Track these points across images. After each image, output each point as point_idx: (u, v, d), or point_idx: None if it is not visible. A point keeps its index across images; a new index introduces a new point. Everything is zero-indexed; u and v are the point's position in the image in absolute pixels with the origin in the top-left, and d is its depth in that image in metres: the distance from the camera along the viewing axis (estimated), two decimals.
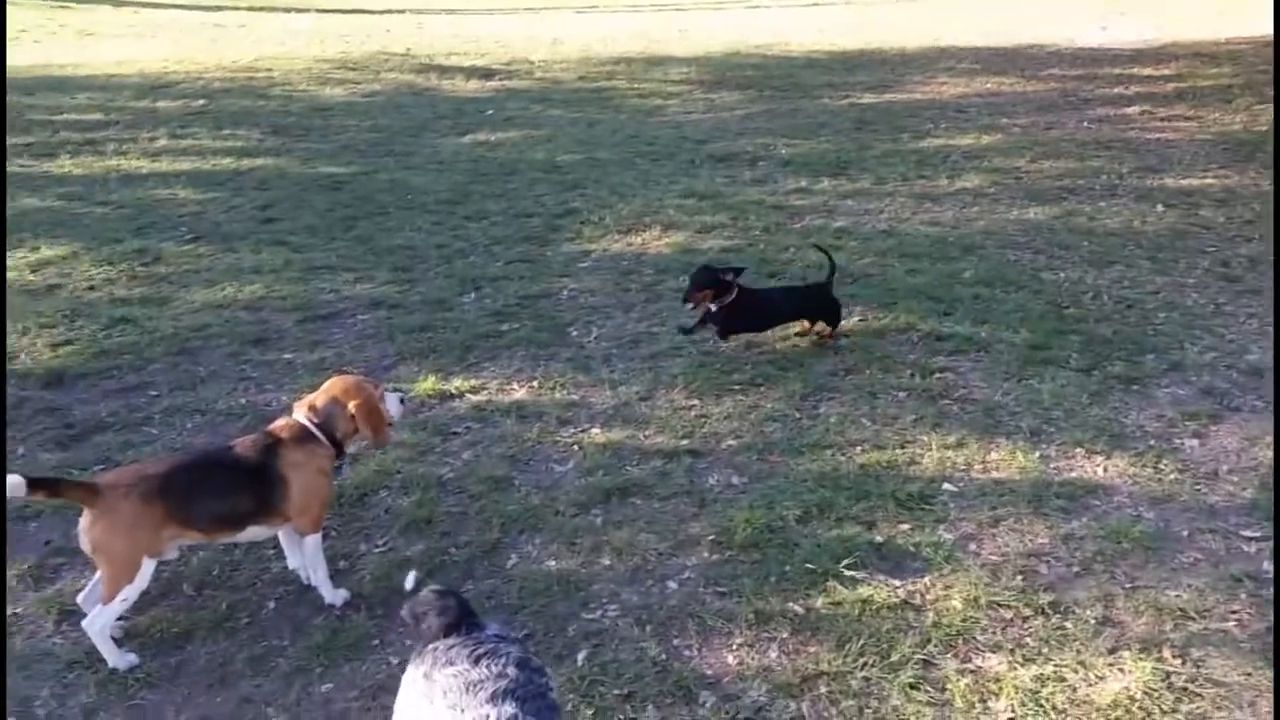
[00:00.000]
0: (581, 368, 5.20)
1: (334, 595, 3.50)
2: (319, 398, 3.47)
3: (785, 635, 3.28)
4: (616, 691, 3.05)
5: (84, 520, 3.10)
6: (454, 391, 4.99)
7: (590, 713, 2.96)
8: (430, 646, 2.37)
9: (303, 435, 3.38)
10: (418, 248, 7.07)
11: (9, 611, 3.49)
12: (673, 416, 4.69)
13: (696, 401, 4.83)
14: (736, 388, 4.94)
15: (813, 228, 7.30)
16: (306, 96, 12.32)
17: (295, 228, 7.51)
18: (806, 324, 5.50)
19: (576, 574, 3.61)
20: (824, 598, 3.44)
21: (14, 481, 2.97)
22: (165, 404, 4.89)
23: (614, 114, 11.36)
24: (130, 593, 3.15)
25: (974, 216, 7.56)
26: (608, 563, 3.67)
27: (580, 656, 3.21)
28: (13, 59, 14.97)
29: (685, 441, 4.47)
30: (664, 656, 3.21)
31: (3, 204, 6.03)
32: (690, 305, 5.28)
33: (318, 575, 3.49)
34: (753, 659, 3.19)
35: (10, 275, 6.60)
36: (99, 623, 3.15)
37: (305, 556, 3.51)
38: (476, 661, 2.26)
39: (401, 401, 3.76)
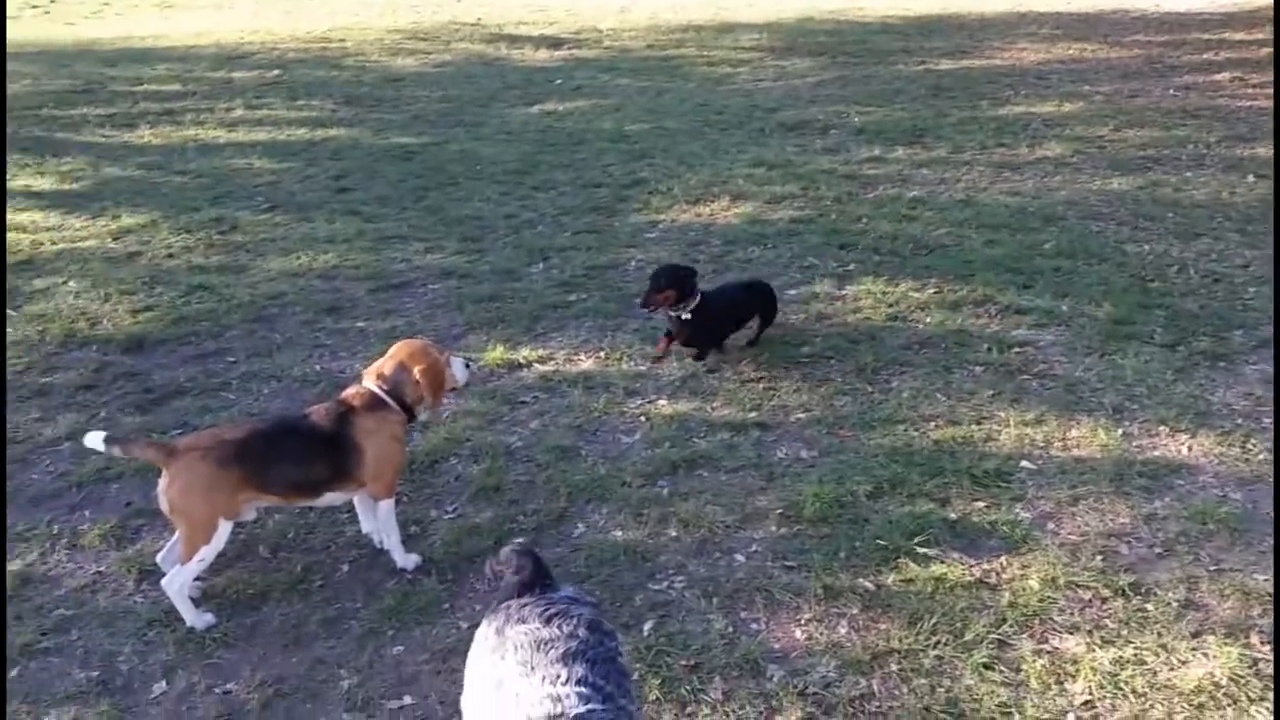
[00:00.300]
0: (649, 339, 5.17)
1: (405, 560, 3.55)
2: (387, 364, 3.50)
3: (855, 611, 3.24)
4: (683, 662, 3.04)
5: (162, 482, 3.19)
6: (522, 361, 5.00)
7: (657, 682, 2.95)
8: (504, 604, 2.39)
9: (374, 402, 3.42)
10: (486, 218, 7.09)
11: (92, 569, 3.61)
12: (740, 389, 4.64)
13: (764, 374, 4.77)
14: (805, 360, 4.87)
15: (886, 197, 7.15)
16: (379, 67, 12.42)
17: (368, 198, 7.59)
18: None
19: (643, 545, 3.60)
20: (895, 575, 3.39)
21: (94, 437, 3.09)
22: (242, 370, 4.99)
23: (683, 82, 11.25)
24: (207, 554, 3.22)
25: (1055, 186, 7.33)
26: (674, 534, 3.66)
27: (647, 627, 3.20)
28: (96, 32, 15.39)
29: (753, 414, 4.43)
30: (731, 629, 3.19)
31: (3, 204, 6.07)
32: (649, 310, 4.83)
33: (390, 540, 3.55)
34: (821, 634, 3.16)
35: (92, 243, 6.79)
36: (177, 582, 3.24)
37: (378, 521, 3.56)
38: (548, 621, 2.26)
39: (467, 366, 3.77)
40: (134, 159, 8.81)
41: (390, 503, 3.49)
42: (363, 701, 2.99)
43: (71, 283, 6.11)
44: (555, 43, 13.69)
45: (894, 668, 3.02)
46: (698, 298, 4.78)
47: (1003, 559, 3.45)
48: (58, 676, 3.14)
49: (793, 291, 5.64)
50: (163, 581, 3.27)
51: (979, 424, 4.28)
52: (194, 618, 3.30)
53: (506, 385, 4.79)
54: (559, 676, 2.13)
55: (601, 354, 5.04)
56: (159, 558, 3.43)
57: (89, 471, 4.16)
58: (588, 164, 8.25)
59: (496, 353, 5.05)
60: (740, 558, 3.53)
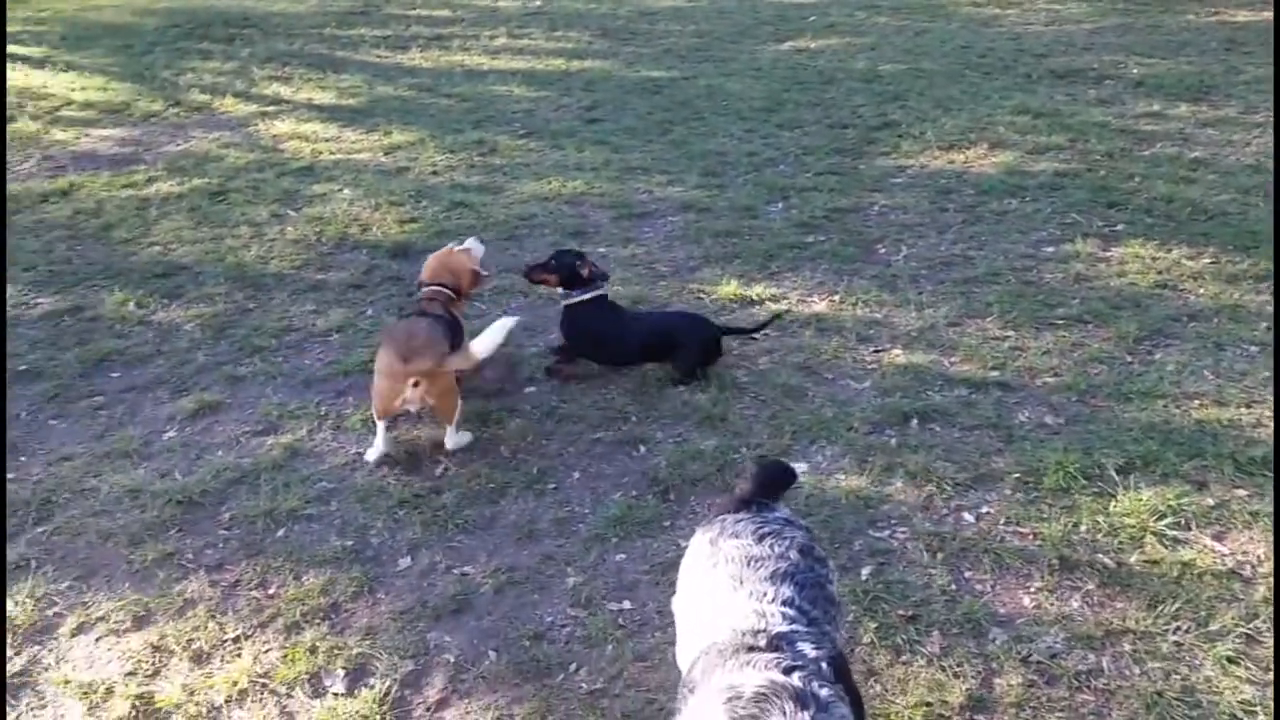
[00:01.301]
0: (887, 286, 5.03)
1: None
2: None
3: (1091, 587, 3.07)
4: (901, 612, 3.00)
5: (415, 390, 3.72)
6: (754, 298, 5.00)
7: (873, 626, 2.93)
8: (720, 516, 2.44)
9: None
10: (729, 154, 7.07)
11: (353, 450, 3.95)
12: (983, 345, 4.44)
13: (1011, 333, 4.54)
14: (1060, 322, 4.59)
15: (1163, 156, 6.56)
16: (635, 0, 12.55)
17: (616, 129, 7.74)
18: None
19: (866, 491, 3.55)
20: (1139, 554, 3.18)
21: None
22: (493, 284, 5.26)
23: (944, 23, 10.70)
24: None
25: None
26: (900, 485, 3.58)
27: (865, 571, 3.17)
28: None
29: (995, 373, 4.23)
30: (953, 586, 3.10)
31: (3, 204, 6.55)
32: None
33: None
34: (1051, 604, 3.02)
35: (365, 156, 7.31)
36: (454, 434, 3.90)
37: None
38: (761, 539, 2.29)
39: (482, 243, 4.55)
40: (405, 80, 9.37)
41: None
42: (586, 599, 3.14)
43: (346, 190, 6.62)
44: None
45: (1127, 647, 2.85)
46: (587, 296, 4.28)
47: (1261, 551, 3.16)
48: (317, 541, 3.48)
49: (1050, 249, 5.32)
50: (448, 444, 3.87)
51: (1248, 408, 3.90)
52: (461, 439, 3.90)
53: (738, 320, 4.80)
54: (765, 594, 2.15)
55: (836, 297, 4.95)
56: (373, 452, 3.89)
57: (354, 362, 4.54)
58: (836, 104, 8.04)
59: (730, 287, 5.06)
60: (969, 517, 3.41)
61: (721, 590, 2.22)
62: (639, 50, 10.20)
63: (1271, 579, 3.05)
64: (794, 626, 2.08)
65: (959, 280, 5.04)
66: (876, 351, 4.47)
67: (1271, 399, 3.93)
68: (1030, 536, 3.30)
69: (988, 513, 3.42)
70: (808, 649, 2.02)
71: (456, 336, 3.91)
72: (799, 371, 4.33)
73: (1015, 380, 4.18)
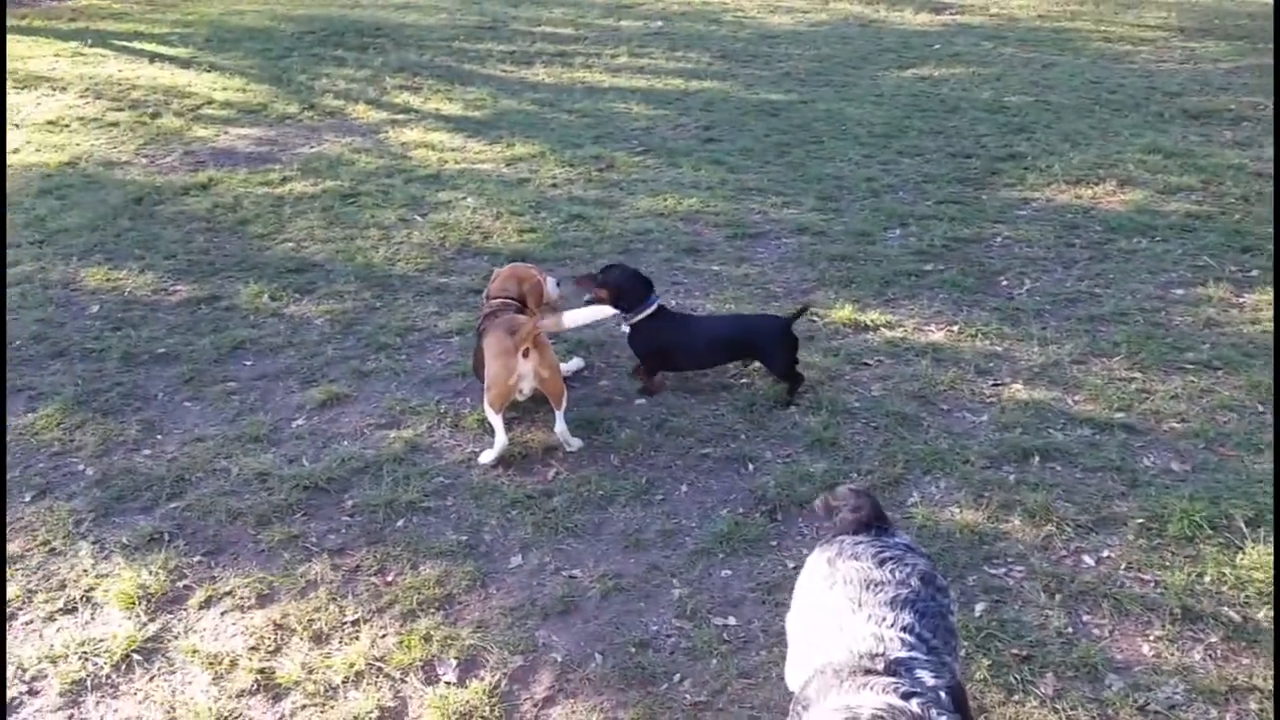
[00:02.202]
0: (1009, 319, 4.94)
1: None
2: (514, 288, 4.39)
3: (1215, 639, 2.96)
4: (1015, 651, 2.94)
5: (528, 362, 3.94)
6: (869, 324, 4.96)
7: (986, 663, 2.88)
8: (839, 537, 2.43)
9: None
10: (846, 178, 7.04)
11: (469, 449, 4.06)
12: (1108, 386, 4.32)
13: (1138, 375, 4.41)
14: (1189, 367, 4.44)
15: None
16: (755, 23, 12.61)
17: (732, 149, 7.78)
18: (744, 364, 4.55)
19: (981, 527, 3.49)
20: (1266, 610, 3.05)
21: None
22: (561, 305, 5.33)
23: (1074, 57, 10.46)
24: None
25: None
26: (1017, 523, 3.51)
27: (979, 608, 3.12)
28: None
29: (1120, 414, 4.12)
30: (1070, 629, 3.03)
31: (3, 204, 6.75)
32: (576, 284, 4.52)
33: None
34: (1172, 654, 2.92)
35: (488, 166, 7.50)
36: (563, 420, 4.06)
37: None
38: (881, 563, 2.28)
39: (558, 285, 4.61)
40: (528, 94, 9.59)
41: None
42: (691, 612, 3.16)
43: (469, 199, 6.81)
44: (938, 7, 13.19)
45: (1253, 706, 2.74)
46: (650, 309, 4.32)
47: None
48: (434, 533, 3.58)
49: (1180, 291, 5.15)
50: (558, 430, 4.01)
51: None
52: (576, 442, 4.04)
53: (851, 345, 4.78)
54: (885, 619, 2.14)
55: (954, 328, 4.88)
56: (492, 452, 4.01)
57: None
58: (959, 133, 7.94)
59: (844, 312, 5.04)
60: (1089, 560, 3.33)
61: (839, 611, 2.22)
62: (758, 73, 10.24)
63: None
64: (913, 653, 2.07)
65: (1084, 317, 4.93)
66: (996, 385, 4.39)
67: None
68: (1152, 584, 3.21)
69: (1109, 556, 3.33)
70: (926, 676, 2.00)
71: None
72: (914, 400, 4.29)
73: (1141, 423, 4.06)
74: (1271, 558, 3.23)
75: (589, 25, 12.64)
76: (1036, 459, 3.84)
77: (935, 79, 9.71)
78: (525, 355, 3.89)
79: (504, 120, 8.69)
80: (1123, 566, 3.28)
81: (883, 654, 2.06)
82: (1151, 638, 2.99)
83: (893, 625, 2.13)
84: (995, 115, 8.38)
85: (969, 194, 6.64)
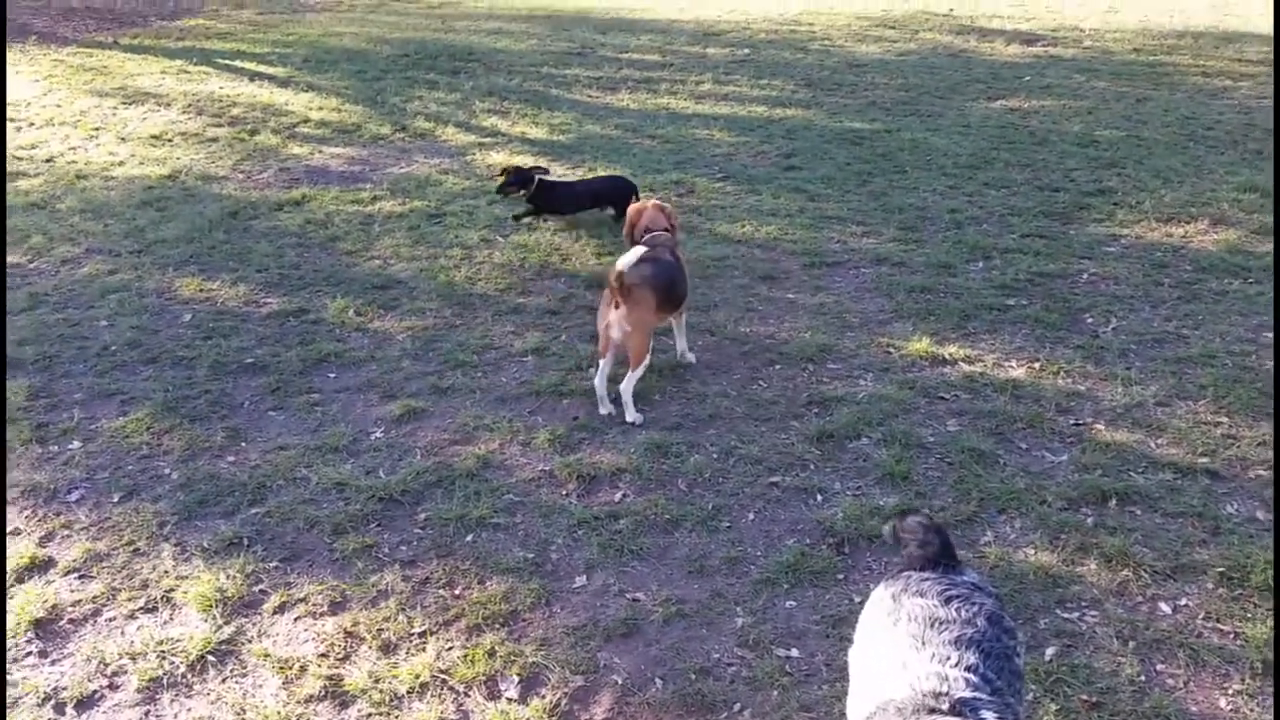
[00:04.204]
0: (1092, 358, 4.83)
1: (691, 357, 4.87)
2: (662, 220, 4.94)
3: None
4: (1084, 697, 2.86)
5: (617, 312, 4.34)
6: (947, 357, 4.89)
7: (1054, 708, 2.81)
8: (905, 573, 2.40)
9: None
10: (929, 209, 6.97)
11: (539, 467, 4.11)
12: (1193, 430, 4.19)
13: (1225, 419, 4.27)
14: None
15: None
16: (842, 52, 12.58)
17: (813, 177, 7.76)
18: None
19: (1056, 569, 3.41)
20: None
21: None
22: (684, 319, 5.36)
23: (1169, 92, 10.20)
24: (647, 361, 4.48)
25: None
26: (1093, 567, 3.42)
27: (1049, 652, 3.05)
28: (592, 1, 17.02)
29: (1204, 460, 3.99)
30: (1143, 678, 2.94)
31: (3, 205, 6.90)
32: (501, 196, 7.07)
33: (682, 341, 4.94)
34: (1251, 710, 2.82)
35: None
36: (631, 386, 4.45)
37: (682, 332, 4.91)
38: (947, 601, 2.25)
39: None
40: (613, 119, 9.71)
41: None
42: (753, 641, 3.15)
43: (549, 221, 6.91)
44: (1029, 39, 12.99)
45: None
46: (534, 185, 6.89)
47: None
48: (502, 549, 3.64)
49: (1270, 335, 4.97)
50: (622, 386, 4.43)
51: None
52: (633, 415, 4.41)
53: (928, 378, 4.72)
54: (949, 658, 2.11)
55: (1036, 364, 4.79)
56: (595, 382, 4.50)
57: (546, 384, 4.73)
58: (1048, 166, 7.80)
59: (921, 344, 4.98)
60: (1165, 608, 3.23)
61: (902, 648, 2.20)
62: (843, 101, 10.21)
63: None
64: (978, 694, 2.03)
65: (1171, 359, 4.79)
66: (1076, 424, 4.29)
67: None
68: (1231, 635, 3.10)
69: (1186, 605, 3.23)
70: (990, 717, 1.97)
71: (678, 278, 4.70)
72: (990, 437, 4.21)
73: (1225, 470, 3.93)
74: None
75: (676, 52, 12.76)
76: (1115, 502, 3.74)
77: (1024, 111, 9.56)
78: (616, 306, 4.35)
79: (587, 144, 8.81)
80: (1201, 616, 3.17)
81: (947, 693, 2.03)
82: (1230, 691, 2.89)
83: (957, 665, 2.10)
84: (1085, 149, 8.21)
85: (1055, 228, 6.52)
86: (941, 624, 2.20)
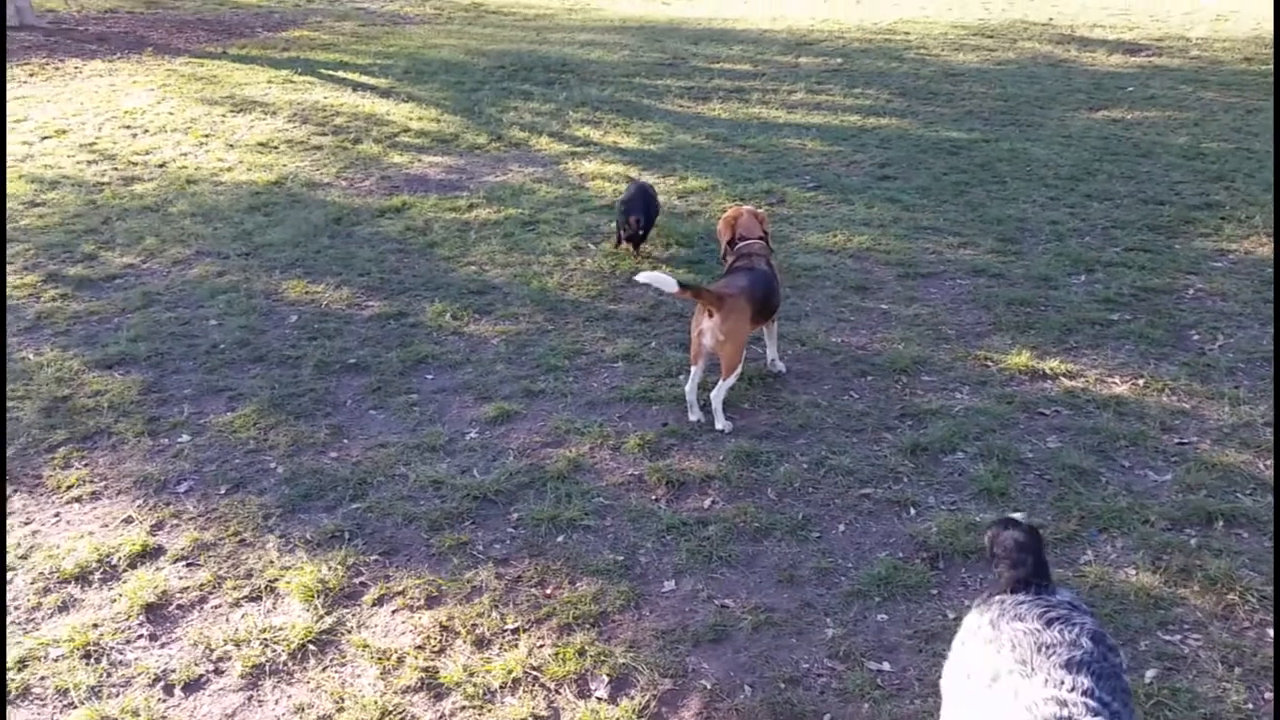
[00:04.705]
0: (1198, 375, 4.68)
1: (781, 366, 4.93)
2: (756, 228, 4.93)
3: None
4: None
5: (713, 320, 4.34)
6: (1047, 372, 4.79)
7: None
8: (998, 598, 2.36)
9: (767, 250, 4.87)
10: (1029, 220, 6.83)
11: (629, 471, 4.16)
12: None
13: None
14: None
15: None
16: (938, 61, 12.41)
17: (908, 187, 7.68)
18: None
19: (1158, 590, 3.32)
20: None
21: (668, 281, 4.25)
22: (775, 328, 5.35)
23: None
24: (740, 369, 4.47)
25: None
26: (1197, 589, 3.32)
27: (1149, 674, 2.97)
28: (687, 13, 17.10)
29: None
30: (1249, 705, 2.84)
31: (2, 206, 6.86)
32: None
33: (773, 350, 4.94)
34: None
35: (661, 199, 7.65)
36: (722, 393, 4.44)
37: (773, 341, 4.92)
38: (1049, 624, 2.20)
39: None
40: (704, 129, 9.75)
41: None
42: (844, 653, 3.14)
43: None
44: (1133, 48, 12.63)
45: None
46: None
47: None
48: (592, 551, 3.69)
49: None
50: (712, 394, 4.46)
51: None
52: (722, 422, 4.44)
53: (1027, 393, 4.63)
54: (1062, 682, 2.07)
55: (1140, 381, 4.66)
56: (686, 389, 4.57)
57: (636, 390, 4.78)
58: (1152, 178, 7.57)
59: (1021, 358, 4.89)
60: (1273, 634, 3.11)
61: (1009, 676, 2.15)
62: (939, 110, 10.07)
63: None
64: (1098, 718, 2.00)
65: None
66: (1181, 444, 4.16)
67: None
68: None
69: None
70: None
71: (773, 287, 4.69)
72: (1092, 454, 4.12)
73: None
74: None
75: (767, 62, 12.74)
76: (1221, 523, 3.62)
77: (1128, 122, 9.30)
78: (710, 315, 4.38)
79: (678, 154, 8.86)
80: None
81: (1069, 718, 2.00)
82: None
83: (1073, 689, 2.06)
84: (1192, 161, 7.95)
85: (1160, 242, 6.33)
86: (1049, 648, 2.16)
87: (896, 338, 5.23)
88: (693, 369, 4.53)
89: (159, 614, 3.50)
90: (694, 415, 4.54)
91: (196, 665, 3.26)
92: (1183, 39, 13.17)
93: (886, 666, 3.09)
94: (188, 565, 3.74)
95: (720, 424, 4.45)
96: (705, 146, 9.14)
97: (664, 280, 4.26)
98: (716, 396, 4.45)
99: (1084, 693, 2.04)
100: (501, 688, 3.08)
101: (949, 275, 6.03)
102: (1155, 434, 4.23)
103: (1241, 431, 4.22)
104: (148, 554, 3.81)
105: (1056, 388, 4.65)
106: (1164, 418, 4.35)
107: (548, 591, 3.48)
